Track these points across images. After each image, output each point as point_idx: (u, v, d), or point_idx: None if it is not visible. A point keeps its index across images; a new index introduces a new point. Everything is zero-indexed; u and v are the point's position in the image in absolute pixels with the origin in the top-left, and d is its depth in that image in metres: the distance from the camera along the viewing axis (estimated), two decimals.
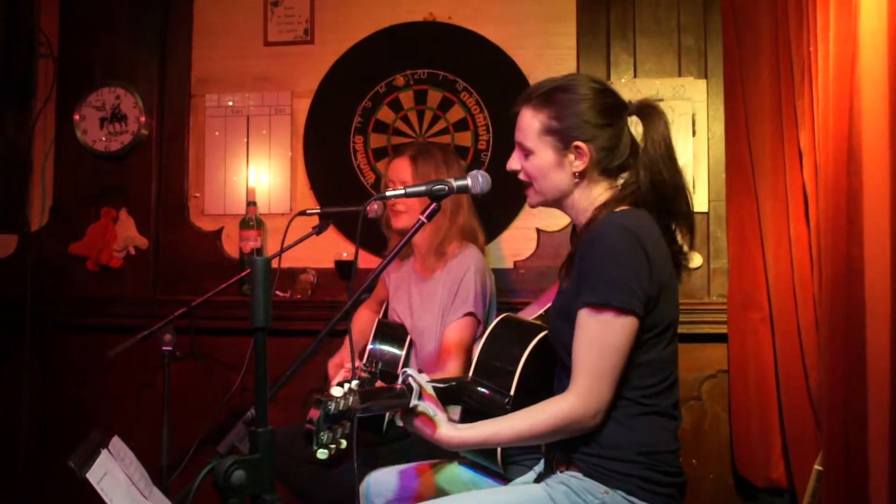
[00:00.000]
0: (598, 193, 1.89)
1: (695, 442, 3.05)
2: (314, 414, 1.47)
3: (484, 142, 3.30)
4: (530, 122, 1.87)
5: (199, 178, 3.51)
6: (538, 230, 3.27)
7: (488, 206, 2.94)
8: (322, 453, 1.51)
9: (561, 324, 1.84)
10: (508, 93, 3.22)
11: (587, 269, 1.75)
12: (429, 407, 1.74)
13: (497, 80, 3.30)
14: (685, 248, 1.90)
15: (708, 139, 3.13)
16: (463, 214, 2.68)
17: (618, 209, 1.82)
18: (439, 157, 2.69)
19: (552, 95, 1.87)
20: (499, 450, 1.95)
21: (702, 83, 3.14)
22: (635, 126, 1.91)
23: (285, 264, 3.15)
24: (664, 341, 1.81)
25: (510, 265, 3.27)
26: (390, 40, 3.38)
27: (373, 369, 1.74)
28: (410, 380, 1.73)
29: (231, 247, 3.46)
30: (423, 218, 1.90)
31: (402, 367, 2.45)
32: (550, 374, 1.94)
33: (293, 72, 3.46)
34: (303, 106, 3.44)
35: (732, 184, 2.95)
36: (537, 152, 1.87)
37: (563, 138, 1.85)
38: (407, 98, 3.37)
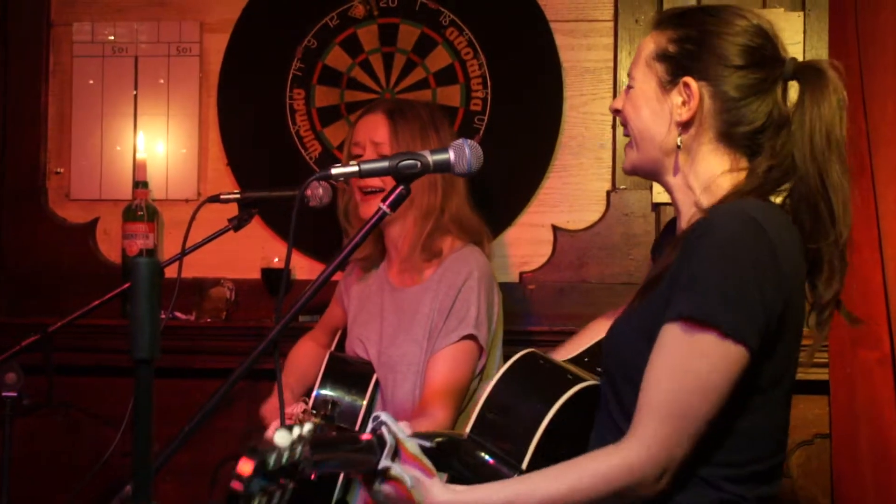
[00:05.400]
0: (716, 170, 1.89)
1: None
2: (245, 468, 1.44)
3: (478, 100, 3.30)
4: (646, 45, 1.97)
5: (62, 147, 3.51)
6: (555, 228, 3.28)
7: (485, 193, 2.93)
8: None
9: (633, 342, 1.82)
10: (515, 30, 3.28)
11: (692, 269, 1.73)
12: (406, 472, 1.68)
13: (499, 12, 3.30)
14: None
15: None
16: (458, 196, 2.69)
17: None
18: (425, 116, 2.72)
19: (684, 16, 1.96)
20: None
21: (797, 17, 3.15)
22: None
23: (189, 273, 3.10)
24: (772, 402, 1.80)
25: (514, 278, 3.28)
26: None
27: (328, 413, 1.71)
28: (384, 430, 1.69)
29: (110, 247, 3.46)
30: (384, 207, 1.93)
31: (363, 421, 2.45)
32: (582, 444, 1.93)
33: None
34: (217, 44, 3.45)
35: None
36: (638, 82, 1.95)
37: (672, 68, 1.91)
38: (368, 35, 3.36)
